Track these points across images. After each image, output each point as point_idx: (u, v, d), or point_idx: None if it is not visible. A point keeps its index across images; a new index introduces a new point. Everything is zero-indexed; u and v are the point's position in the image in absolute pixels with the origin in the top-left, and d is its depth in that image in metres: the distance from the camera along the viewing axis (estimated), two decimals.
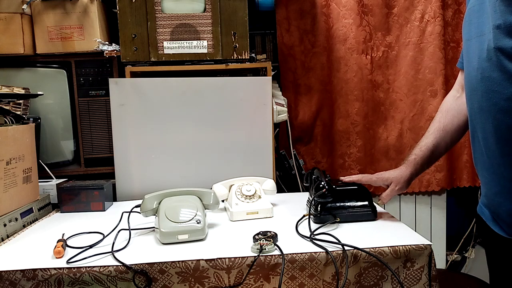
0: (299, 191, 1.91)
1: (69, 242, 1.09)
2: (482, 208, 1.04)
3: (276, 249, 1.01)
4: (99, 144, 1.69)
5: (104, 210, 1.43)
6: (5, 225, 1.18)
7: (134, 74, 1.60)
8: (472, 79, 0.94)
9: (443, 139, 1.17)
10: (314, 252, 0.99)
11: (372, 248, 1.00)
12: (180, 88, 1.57)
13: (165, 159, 1.59)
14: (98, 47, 1.58)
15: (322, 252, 0.99)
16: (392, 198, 1.23)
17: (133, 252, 1.03)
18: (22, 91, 1.46)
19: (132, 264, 0.95)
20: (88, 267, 0.95)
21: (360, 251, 0.99)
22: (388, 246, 1.00)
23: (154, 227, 1.16)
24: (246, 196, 1.32)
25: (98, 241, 1.09)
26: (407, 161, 1.21)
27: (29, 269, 0.94)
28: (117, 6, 1.54)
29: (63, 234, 1.14)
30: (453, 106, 1.18)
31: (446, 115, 1.18)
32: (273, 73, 1.92)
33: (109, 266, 0.95)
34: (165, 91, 1.57)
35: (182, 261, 0.97)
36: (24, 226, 1.28)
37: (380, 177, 1.23)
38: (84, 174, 1.70)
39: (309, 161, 2.10)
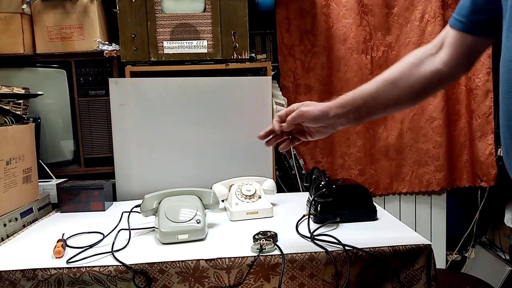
0: (299, 191, 1.91)
1: (69, 242, 1.09)
2: None
3: (276, 249, 1.01)
4: (99, 144, 1.69)
5: (104, 210, 1.43)
6: (5, 225, 1.18)
7: (134, 74, 1.60)
8: None
9: (385, 92, 0.91)
10: (314, 252, 0.99)
11: (372, 248, 1.00)
12: (180, 88, 1.57)
13: (165, 159, 1.59)
14: (98, 47, 1.58)
15: (322, 252, 0.99)
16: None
17: (133, 252, 1.03)
18: (22, 91, 1.46)
19: (132, 264, 0.95)
20: (88, 267, 0.95)
21: (360, 251, 0.99)
22: (388, 246, 1.00)
23: (154, 227, 1.16)
24: (246, 196, 1.32)
25: (98, 241, 1.09)
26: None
27: (29, 269, 0.94)
28: (117, 6, 1.54)
29: (63, 234, 1.13)
30: (419, 61, 0.89)
31: (404, 68, 0.90)
32: (273, 73, 1.92)
33: (109, 266, 0.95)
34: (165, 91, 1.57)
35: (182, 261, 0.96)
36: (24, 226, 1.28)
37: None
38: (84, 174, 1.69)
39: (309, 161, 2.10)
